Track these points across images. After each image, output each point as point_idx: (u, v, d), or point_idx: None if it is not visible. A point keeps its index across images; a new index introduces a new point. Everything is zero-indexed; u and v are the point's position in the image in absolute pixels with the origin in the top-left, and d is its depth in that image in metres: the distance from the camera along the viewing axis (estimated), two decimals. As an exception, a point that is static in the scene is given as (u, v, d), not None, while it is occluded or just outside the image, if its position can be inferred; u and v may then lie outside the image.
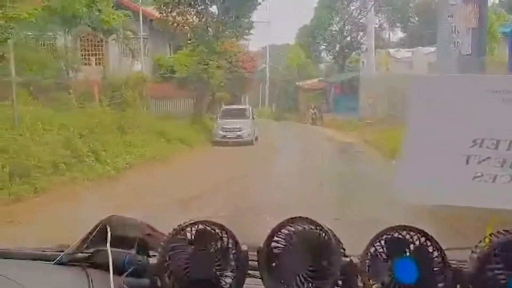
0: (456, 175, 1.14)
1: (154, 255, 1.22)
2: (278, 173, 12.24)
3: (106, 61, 18.76)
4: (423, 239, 1.14)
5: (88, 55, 17.93)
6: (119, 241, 1.27)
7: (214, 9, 20.14)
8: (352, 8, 33.65)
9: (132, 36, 18.86)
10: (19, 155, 8.80)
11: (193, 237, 1.15)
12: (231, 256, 1.15)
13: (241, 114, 20.12)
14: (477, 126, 1.15)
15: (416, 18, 32.95)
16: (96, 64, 16.70)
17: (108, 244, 1.23)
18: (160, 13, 19.69)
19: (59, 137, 10.54)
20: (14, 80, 10.06)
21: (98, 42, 18.70)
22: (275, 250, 1.17)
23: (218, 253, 1.14)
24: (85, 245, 1.28)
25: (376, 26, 30.06)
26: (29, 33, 14.97)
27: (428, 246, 1.13)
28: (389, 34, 35.23)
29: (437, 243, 1.13)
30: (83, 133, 11.40)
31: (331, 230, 1.15)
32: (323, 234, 1.15)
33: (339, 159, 15.01)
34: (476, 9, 7.80)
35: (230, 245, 1.15)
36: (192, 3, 19.75)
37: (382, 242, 1.15)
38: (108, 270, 1.18)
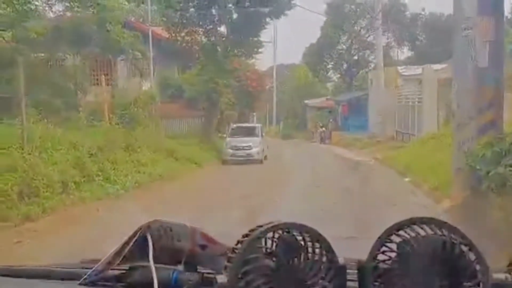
0: None
1: (204, 272, 0.99)
2: (289, 193, 12.00)
3: (115, 81, 18.78)
4: None
5: (97, 75, 17.97)
6: (162, 254, 1.01)
7: (222, 28, 20.26)
8: (360, 27, 33.77)
9: (141, 57, 18.91)
10: (28, 175, 8.68)
11: (274, 246, 0.88)
12: (325, 273, 0.88)
13: (250, 132, 19.99)
14: None
15: (424, 36, 32.98)
16: (105, 84, 16.71)
17: (150, 258, 0.97)
18: (168, 33, 19.79)
19: (68, 156, 10.45)
20: (24, 99, 9.99)
21: (107, 62, 18.77)
22: (384, 265, 0.89)
23: (308, 269, 0.87)
24: (118, 260, 1.02)
25: (384, 44, 30.09)
26: (40, 54, 15.03)
27: None
28: (397, 52, 35.27)
29: None
30: (93, 152, 11.30)
31: (469, 239, 0.87)
32: (458, 243, 0.85)
33: (350, 178, 14.76)
34: (493, 21, 7.67)
35: (324, 258, 0.89)
36: (201, 23, 19.85)
37: None
38: None
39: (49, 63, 16.89)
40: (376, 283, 0.87)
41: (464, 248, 0.85)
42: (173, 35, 19.66)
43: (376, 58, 26.66)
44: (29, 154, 9.19)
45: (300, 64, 39.61)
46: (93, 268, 1.04)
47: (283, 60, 46.21)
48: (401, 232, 0.88)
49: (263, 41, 21.60)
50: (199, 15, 19.79)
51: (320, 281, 0.86)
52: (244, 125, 22.46)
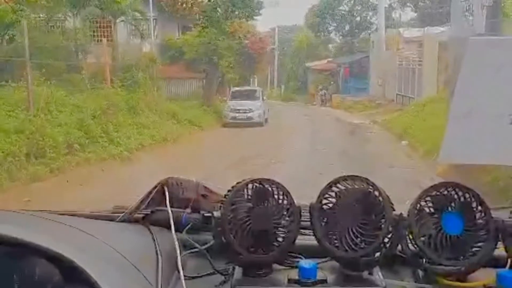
0: (500, 135, 1.20)
1: (204, 213, 1.35)
2: (289, 155, 12.29)
3: (115, 43, 18.73)
4: (467, 195, 1.22)
5: (98, 36, 17.91)
6: (175, 201, 1.38)
7: (223, -11, 20.01)
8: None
9: (141, 17, 18.79)
10: (34, 136, 8.94)
11: (251, 194, 1.24)
12: (286, 211, 1.24)
13: (251, 95, 20.09)
14: None
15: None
16: (106, 46, 16.71)
17: (167, 203, 1.34)
18: (169, -7, 19.60)
19: (72, 118, 10.69)
20: (28, 62, 10.12)
21: (107, 24, 18.66)
22: (326, 206, 1.25)
23: (274, 209, 1.23)
24: (143, 205, 1.37)
25: (386, 6, 29.66)
26: (40, 15, 14.98)
27: (473, 202, 1.21)
28: (400, 14, 34.74)
29: (480, 198, 1.21)
30: (96, 114, 11.52)
31: (380, 188, 1.23)
32: (373, 191, 1.23)
33: (348, 140, 15.02)
34: (491, -14, 7.72)
35: (285, 202, 1.24)
36: (201, -17, 19.64)
37: (429, 198, 1.24)
38: (166, 227, 1.29)
39: (50, 25, 16.85)
40: (322, 220, 1.24)
41: (377, 194, 1.22)
42: (173, -5, 19.48)
43: (378, 19, 26.41)
44: (35, 116, 9.42)
45: (302, 25, 39.13)
46: (125, 212, 1.37)
47: (285, 21, 45.50)
48: (338, 185, 1.25)
49: (266, 1, 21.37)
50: (199, -26, 19.55)
51: (282, 217, 1.24)
52: (244, 88, 22.48)
